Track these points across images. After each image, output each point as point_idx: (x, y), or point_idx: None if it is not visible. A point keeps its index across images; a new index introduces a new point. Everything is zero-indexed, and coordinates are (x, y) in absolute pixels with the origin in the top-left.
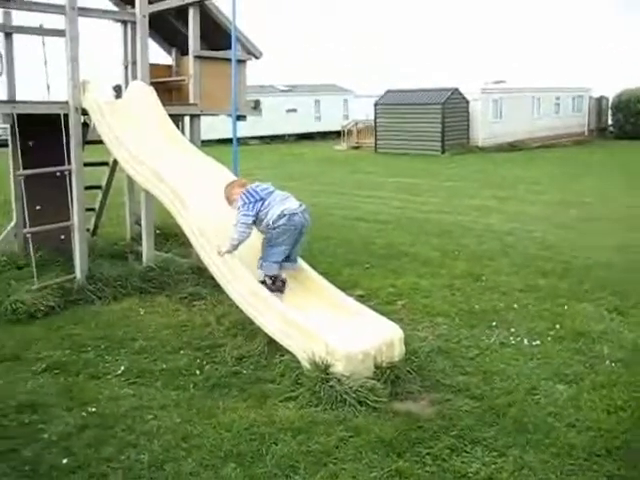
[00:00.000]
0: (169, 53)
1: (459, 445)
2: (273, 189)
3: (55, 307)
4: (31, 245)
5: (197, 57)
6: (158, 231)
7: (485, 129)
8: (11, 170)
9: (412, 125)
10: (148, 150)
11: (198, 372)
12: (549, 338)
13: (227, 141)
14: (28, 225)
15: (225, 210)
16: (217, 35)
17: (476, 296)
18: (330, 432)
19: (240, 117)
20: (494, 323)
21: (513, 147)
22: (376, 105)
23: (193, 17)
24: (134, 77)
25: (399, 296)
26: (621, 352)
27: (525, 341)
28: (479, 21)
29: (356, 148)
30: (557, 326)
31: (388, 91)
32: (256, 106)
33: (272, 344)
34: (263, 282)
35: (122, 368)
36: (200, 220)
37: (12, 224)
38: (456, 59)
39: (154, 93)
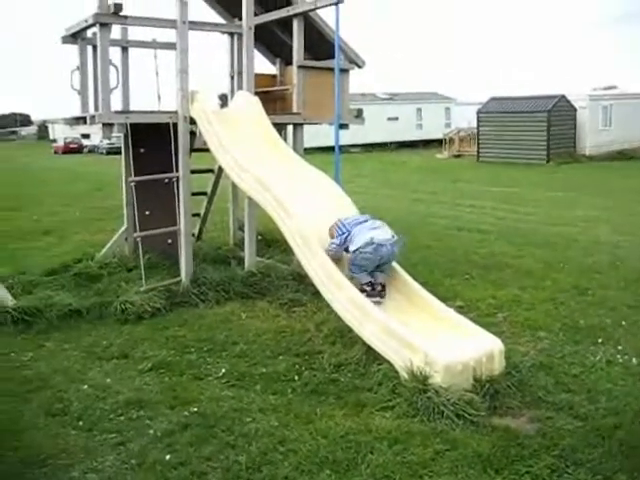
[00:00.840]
0: (274, 63)
1: (560, 465)
2: (365, 219)
3: (161, 309)
4: (140, 249)
5: (301, 67)
6: (260, 237)
7: (593, 137)
8: (123, 177)
9: (516, 134)
10: (252, 158)
11: (296, 377)
12: None
13: (329, 149)
14: (138, 229)
15: (326, 218)
16: (321, 45)
17: (581, 311)
18: (427, 444)
19: (342, 126)
20: (600, 340)
21: (623, 156)
22: (479, 113)
23: (297, 28)
24: (240, 87)
25: (500, 308)
26: None
27: (634, 360)
28: (588, 24)
29: (458, 157)
30: None
31: (491, 99)
32: (359, 115)
33: (370, 352)
34: (362, 290)
35: (223, 370)
36: (302, 228)
37: (123, 228)
38: (563, 64)
39: (259, 103)
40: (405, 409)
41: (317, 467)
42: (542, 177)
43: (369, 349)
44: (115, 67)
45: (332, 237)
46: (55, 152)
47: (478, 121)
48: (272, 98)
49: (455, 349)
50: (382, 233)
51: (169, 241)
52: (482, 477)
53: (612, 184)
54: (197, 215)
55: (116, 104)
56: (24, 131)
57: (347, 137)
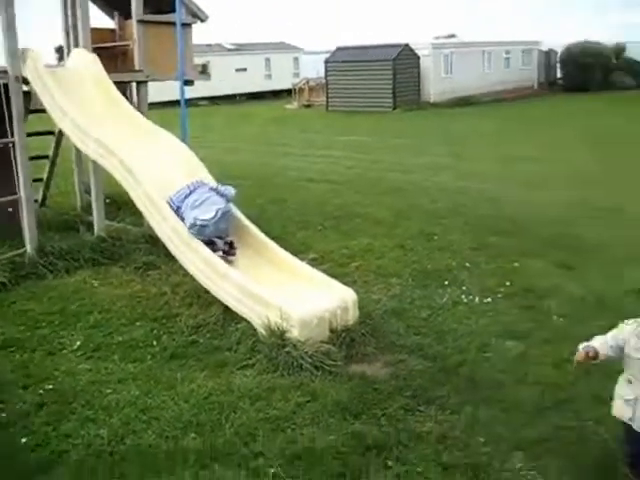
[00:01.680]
0: (112, 17)
1: (413, 405)
2: (192, 188)
3: (6, 283)
4: None
5: (141, 21)
6: (109, 200)
7: (436, 85)
8: None
9: (363, 82)
10: (94, 120)
11: (155, 343)
12: (500, 295)
13: (176, 103)
14: None
15: (175, 179)
16: None
17: (428, 256)
18: (288, 398)
19: (188, 82)
20: (446, 282)
21: (464, 102)
22: (326, 62)
23: None
24: (75, 42)
25: (352, 258)
26: (567, 307)
27: (477, 299)
28: None
29: (307, 107)
30: (507, 283)
31: (338, 48)
32: (204, 70)
33: (228, 312)
34: (214, 249)
35: (78, 343)
36: (151, 192)
37: None
38: (406, 13)
39: (97, 60)
40: (265, 365)
41: (181, 432)
42: (389, 125)
43: (226, 309)
44: None
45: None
46: None
47: (326, 71)
48: (112, 54)
49: (310, 302)
50: (205, 211)
51: (10, 210)
52: (342, 424)
53: (455, 130)
54: (40, 180)
55: None
56: None
57: (194, 90)
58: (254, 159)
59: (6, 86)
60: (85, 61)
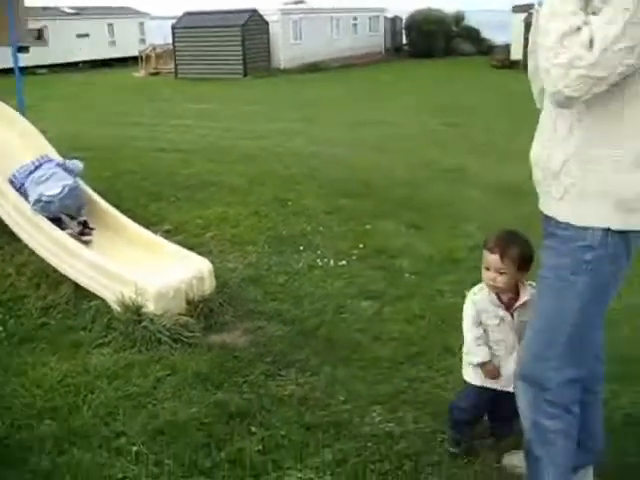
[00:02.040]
0: None
1: (274, 370)
2: (38, 163)
3: None
4: None
5: None
6: None
7: (286, 51)
8: None
9: (212, 49)
10: None
11: (1, 329)
12: (354, 257)
13: (10, 72)
14: None
15: (12, 154)
16: None
17: (283, 221)
18: (147, 373)
19: (22, 49)
20: (301, 247)
21: (314, 68)
22: (173, 28)
23: None
24: None
25: (207, 228)
26: (418, 265)
27: (332, 262)
28: None
29: (155, 74)
30: (360, 245)
31: (185, 13)
32: (40, 36)
33: (80, 290)
34: (63, 227)
35: None
36: None
37: None
38: None
39: None
40: (122, 342)
41: (36, 419)
42: (240, 92)
43: (78, 287)
44: None
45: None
46: None
47: (173, 37)
48: None
49: (165, 275)
50: (51, 187)
51: None
52: (204, 395)
53: (306, 96)
54: None
55: None
56: None
57: (30, 57)
58: (100, 130)
59: None
60: None
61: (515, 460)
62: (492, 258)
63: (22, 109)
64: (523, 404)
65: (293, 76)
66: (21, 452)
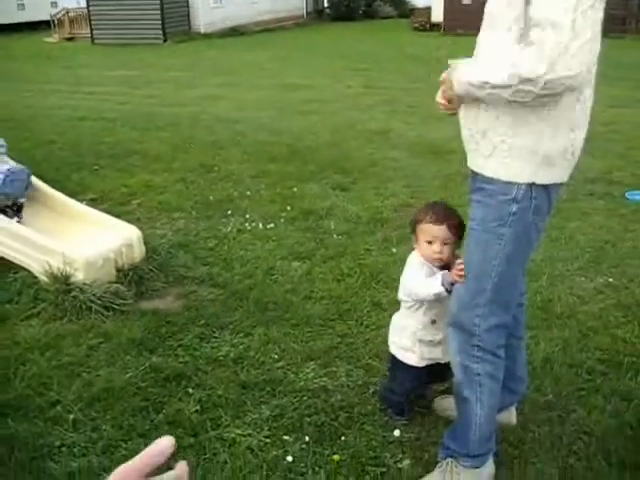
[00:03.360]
0: None
1: (208, 333)
2: None
3: None
4: None
5: None
6: None
7: (206, 15)
8: None
9: (130, 13)
10: None
11: None
12: (282, 220)
13: None
14: None
15: None
16: None
17: (210, 187)
18: (79, 342)
19: None
20: (229, 212)
21: (236, 32)
22: None
23: None
24: None
25: (133, 195)
26: (346, 225)
27: (260, 225)
28: None
29: (70, 39)
30: (288, 208)
31: None
32: None
33: (3, 263)
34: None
35: None
36: None
37: None
38: None
39: None
40: (52, 313)
41: None
42: (161, 57)
43: (1, 259)
44: None
45: None
46: None
47: (87, 0)
48: None
49: (93, 244)
50: None
51: None
52: (139, 360)
53: (228, 60)
54: None
55: None
56: None
57: None
58: (13, 99)
59: None
60: None
61: (445, 404)
62: (439, 229)
63: None
64: (453, 349)
65: (214, 41)
66: None
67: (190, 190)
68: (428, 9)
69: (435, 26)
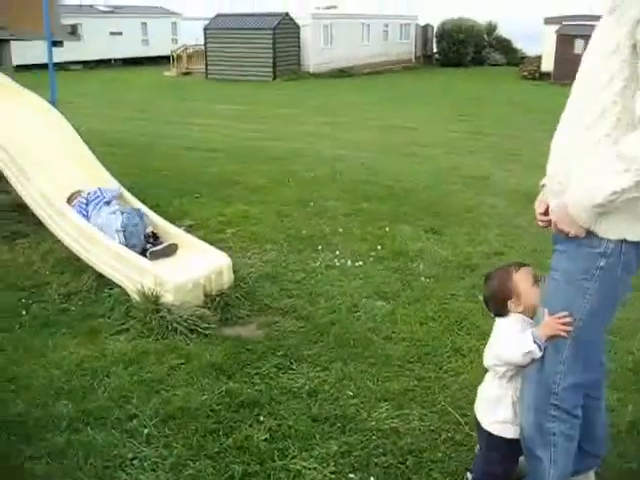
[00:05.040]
0: None
1: (286, 363)
2: (105, 198)
3: None
4: None
5: None
6: None
7: (316, 55)
8: None
9: (243, 51)
10: None
11: (24, 312)
12: (371, 259)
13: (43, 67)
14: None
15: (43, 145)
16: None
17: (304, 222)
18: (162, 361)
19: (56, 43)
20: (320, 247)
21: (344, 73)
22: (206, 29)
23: None
24: None
25: (229, 224)
26: (434, 269)
27: (349, 262)
28: None
29: (186, 74)
30: (378, 247)
31: (218, 15)
32: (74, 31)
33: (101, 279)
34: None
35: None
36: (13, 153)
37: None
38: None
39: None
40: (139, 330)
41: (52, 399)
42: (269, 94)
43: (99, 276)
44: None
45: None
46: None
47: (205, 38)
48: None
49: (185, 268)
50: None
51: None
52: (216, 384)
53: (335, 100)
54: None
55: None
56: None
57: (65, 53)
58: (130, 127)
59: None
60: None
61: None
62: (530, 268)
63: (54, 101)
64: (527, 406)
65: (322, 80)
66: (37, 429)
67: (284, 223)
68: (539, 58)
69: (545, 75)
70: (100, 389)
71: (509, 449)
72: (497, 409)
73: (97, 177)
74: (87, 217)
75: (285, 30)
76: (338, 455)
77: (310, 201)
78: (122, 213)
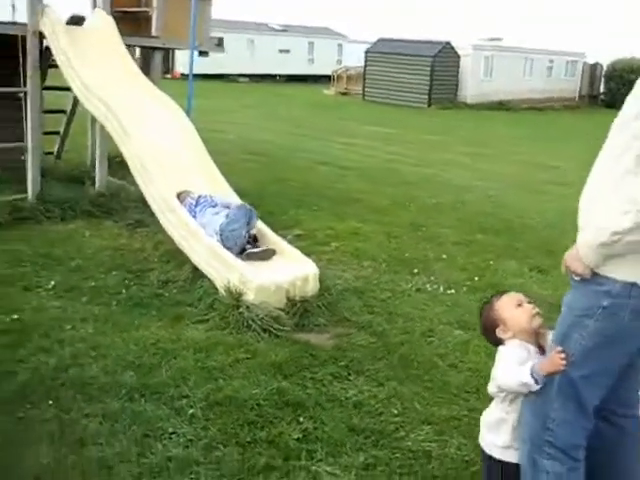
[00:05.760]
0: None
1: (343, 374)
2: (213, 202)
3: (3, 223)
4: None
5: None
6: (119, 158)
7: (474, 87)
8: None
9: (401, 76)
10: (101, 80)
11: (124, 291)
12: (464, 288)
13: (214, 77)
14: None
15: (166, 144)
16: None
17: (411, 244)
18: (229, 353)
19: (202, 53)
20: (417, 270)
21: (502, 106)
22: (367, 53)
23: None
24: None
25: (335, 238)
26: None
27: (441, 289)
28: None
29: (344, 94)
30: (476, 278)
31: (380, 39)
32: (220, 43)
33: (197, 273)
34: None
35: (52, 283)
36: (142, 153)
37: None
38: (453, 12)
39: (113, 24)
40: (218, 322)
41: (122, 369)
42: (420, 120)
43: (196, 270)
44: None
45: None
46: None
47: (365, 60)
48: (136, 19)
49: (272, 271)
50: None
51: (22, 157)
52: (271, 381)
53: (485, 132)
54: (57, 133)
55: None
56: None
57: (236, 66)
58: (277, 139)
59: (25, 39)
60: (102, 23)
61: None
62: (515, 293)
63: (189, 110)
64: (525, 435)
65: (477, 112)
66: (100, 393)
67: (390, 244)
68: None
69: None
70: (164, 368)
71: (509, 475)
72: (497, 433)
73: (215, 186)
74: (194, 216)
75: (445, 59)
76: (362, 466)
77: (423, 226)
78: (226, 216)
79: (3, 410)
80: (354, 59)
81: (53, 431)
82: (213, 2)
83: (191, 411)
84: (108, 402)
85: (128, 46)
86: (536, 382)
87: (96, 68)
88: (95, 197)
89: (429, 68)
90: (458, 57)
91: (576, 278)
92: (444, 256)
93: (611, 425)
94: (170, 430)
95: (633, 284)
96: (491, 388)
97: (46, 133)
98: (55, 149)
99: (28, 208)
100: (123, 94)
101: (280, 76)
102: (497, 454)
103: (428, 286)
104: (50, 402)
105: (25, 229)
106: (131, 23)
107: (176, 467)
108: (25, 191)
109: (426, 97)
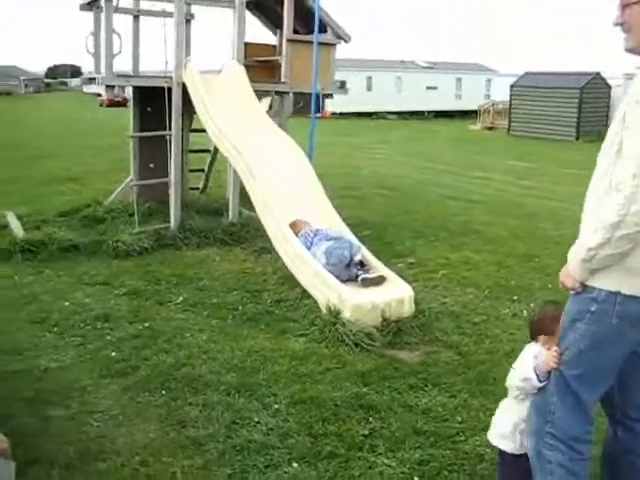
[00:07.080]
0: (275, 34)
1: (420, 385)
2: (326, 235)
3: (148, 248)
4: (135, 195)
5: (289, 40)
6: None
7: None
8: (131, 132)
9: (547, 109)
10: (231, 124)
11: (240, 308)
12: None
13: (364, 115)
14: (140, 180)
15: (288, 185)
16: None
17: (520, 274)
18: (321, 362)
19: (327, 95)
20: (517, 297)
21: None
22: (512, 87)
23: (288, 4)
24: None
25: (445, 267)
26: None
27: None
28: None
29: (490, 129)
30: None
31: (526, 73)
32: (342, 86)
33: (306, 293)
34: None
35: (181, 298)
36: (265, 192)
37: (129, 178)
38: (603, 41)
39: (244, 72)
40: (316, 336)
41: (226, 370)
42: (564, 154)
43: (304, 291)
44: (118, 35)
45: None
46: (100, 105)
47: (511, 95)
48: (271, 67)
49: (369, 292)
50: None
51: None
52: (352, 387)
53: None
54: (202, 170)
55: (127, 67)
56: (74, 82)
57: (384, 104)
58: (412, 173)
59: (170, 89)
60: (234, 72)
61: None
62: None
63: (311, 152)
64: (530, 430)
65: None
66: (203, 387)
67: (499, 273)
68: None
69: None
70: (262, 371)
71: (513, 464)
72: (498, 422)
73: (327, 219)
74: (309, 246)
75: (594, 90)
76: (417, 462)
77: (536, 256)
78: (334, 240)
79: (125, 395)
80: (502, 93)
81: (161, 414)
82: (338, 47)
83: (276, 406)
84: (209, 395)
85: (265, 92)
86: (538, 378)
87: (227, 112)
88: (228, 227)
89: (577, 100)
90: (609, 87)
91: (571, 292)
92: (549, 285)
93: (626, 429)
94: (255, 419)
95: (617, 293)
96: (507, 381)
97: (192, 170)
98: (200, 184)
99: (170, 236)
100: (250, 136)
101: (428, 112)
102: (495, 442)
103: (524, 312)
104: (163, 392)
105: (166, 254)
106: (267, 71)
107: (255, 449)
108: (169, 221)
109: (574, 130)
